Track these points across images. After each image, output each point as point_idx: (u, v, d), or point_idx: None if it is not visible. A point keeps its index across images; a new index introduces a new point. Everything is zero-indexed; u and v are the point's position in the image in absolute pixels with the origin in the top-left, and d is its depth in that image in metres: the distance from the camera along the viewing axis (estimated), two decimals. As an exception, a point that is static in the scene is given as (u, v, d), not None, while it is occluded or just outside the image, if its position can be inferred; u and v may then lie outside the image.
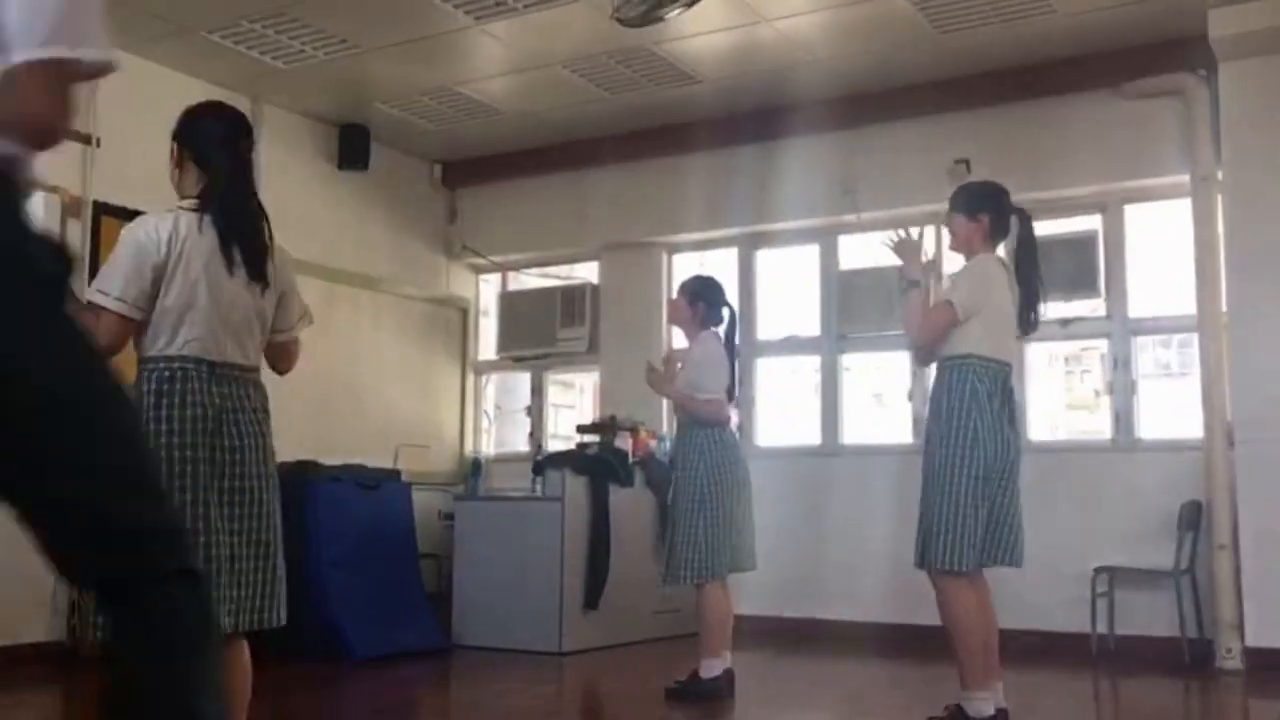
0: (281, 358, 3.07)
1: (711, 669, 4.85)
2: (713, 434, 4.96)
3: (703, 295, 5.17)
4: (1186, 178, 6.17)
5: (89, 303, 2.74)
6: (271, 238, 2.95)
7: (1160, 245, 6.74)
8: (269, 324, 2.97)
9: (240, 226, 2.85)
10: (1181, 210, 6.30)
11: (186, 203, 2.87)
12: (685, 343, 5.31)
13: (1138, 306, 6.60)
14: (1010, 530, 3.96)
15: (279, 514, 2.94)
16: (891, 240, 4.19)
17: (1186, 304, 6.22)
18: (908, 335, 4.29)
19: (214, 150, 2.89)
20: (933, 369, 4.11)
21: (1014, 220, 4.15)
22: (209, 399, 2.77)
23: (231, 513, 2.79)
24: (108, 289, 2.74)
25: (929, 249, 4.32)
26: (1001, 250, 4.17)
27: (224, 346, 2.82)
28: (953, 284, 4.07)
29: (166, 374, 2.76)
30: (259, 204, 2.93)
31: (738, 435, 5.17)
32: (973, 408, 3.87)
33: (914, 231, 4.19)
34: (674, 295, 5.41)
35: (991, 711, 3.82)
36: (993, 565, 3.98)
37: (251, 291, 2.88)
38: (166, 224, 2.79)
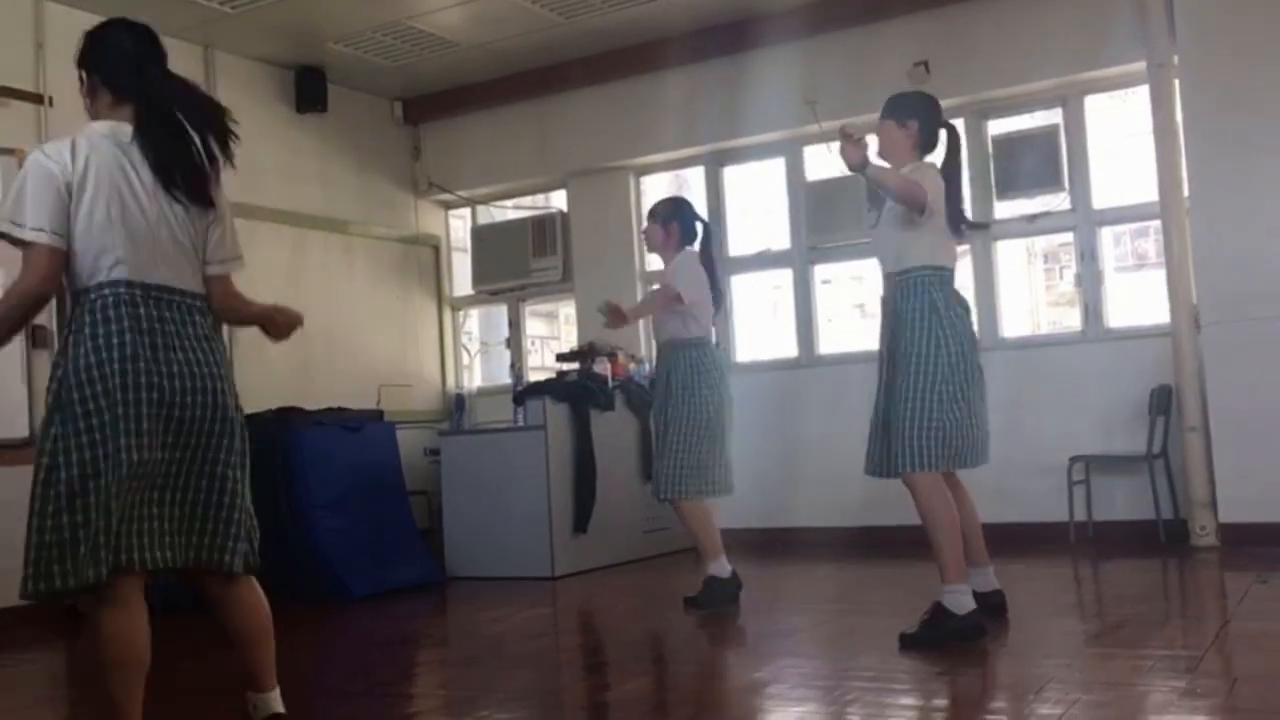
0: (215, 296, 2.81)
1: (723, 569, 4.95)
2: (704, 352, 4.98)
3: (674, 216, 5.17)
4: (1143, 65, 6.18)
5: (5, 237, 2.59)
6: (213, 158, 2.75)
7: (1122, 135, 6.77)
8: (202, 250, 2.78)
9: (172, 148, 2.69)
10: (1140, 99, 6.33)
11: (97, 125, 2.71)
12: (663, 267, 5.30)
13: (1102, 198, 6.64)
14: (978, 430, 4.03)
15: (238, 449, 2.76)
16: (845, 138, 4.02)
17: (1150, 192, 6.27)
18: (912, 201, 3.86)
19: (124, 72, 2.73)
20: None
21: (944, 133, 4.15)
22: (142, 324, 2.62)
23: (176, 441, 2.64)
24: (22, 219, 2.56)
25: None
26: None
27: (154, 269, 2.67)
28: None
29: (98, 303, 2.60)
30: (180, 122, 2.73)
31: (720, 352, 5.20)
32: (932, 318, 3.94)
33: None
34: (645, 223, 5.39)
35: (973, 604, 3.91)
36: (963, 467, 4.06)
37: (174, 212, 2.71)
38: (65, 146, 2.64)
